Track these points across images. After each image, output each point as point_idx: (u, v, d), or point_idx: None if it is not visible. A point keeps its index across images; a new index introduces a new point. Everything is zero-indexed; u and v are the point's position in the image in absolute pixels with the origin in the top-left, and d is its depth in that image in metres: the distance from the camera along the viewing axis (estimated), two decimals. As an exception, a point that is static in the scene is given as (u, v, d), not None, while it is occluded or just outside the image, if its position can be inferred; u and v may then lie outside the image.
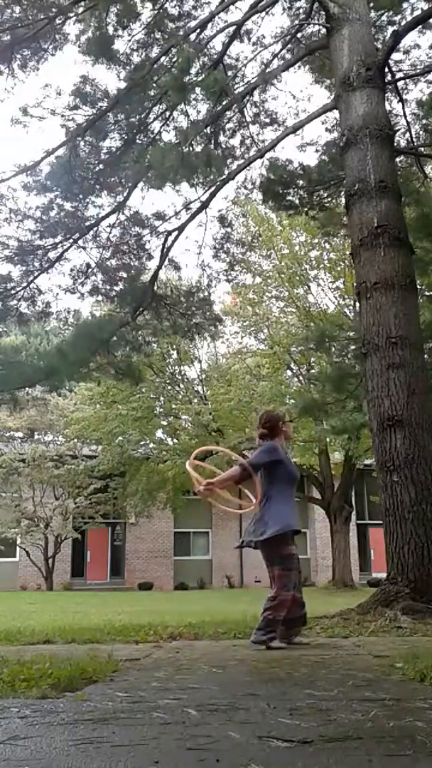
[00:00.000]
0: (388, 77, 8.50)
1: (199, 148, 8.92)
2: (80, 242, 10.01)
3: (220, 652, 4.12)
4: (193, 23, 9.57)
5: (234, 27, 9.29)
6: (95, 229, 10.07)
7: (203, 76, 8.38)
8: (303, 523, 27.12)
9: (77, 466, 22.89)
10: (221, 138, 10.10)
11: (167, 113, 9.72)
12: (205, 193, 9.54)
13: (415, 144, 9.86)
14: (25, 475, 22.56)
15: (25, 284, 9.81)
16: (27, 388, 11.73)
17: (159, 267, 10.09)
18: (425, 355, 7.21)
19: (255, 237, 18.37)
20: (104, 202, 10.02)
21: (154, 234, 10.23)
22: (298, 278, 19.52)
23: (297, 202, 10.21)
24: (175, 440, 22.27)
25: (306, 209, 10.42)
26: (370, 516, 26.06)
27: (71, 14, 9.05)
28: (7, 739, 1.94)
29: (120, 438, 21.62)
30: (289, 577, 4.30)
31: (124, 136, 9.61)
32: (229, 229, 11.96)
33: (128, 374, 10.42)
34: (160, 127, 9.90)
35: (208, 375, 22.41)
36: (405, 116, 9.71)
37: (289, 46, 9.96)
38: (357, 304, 9.20)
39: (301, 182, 10.04)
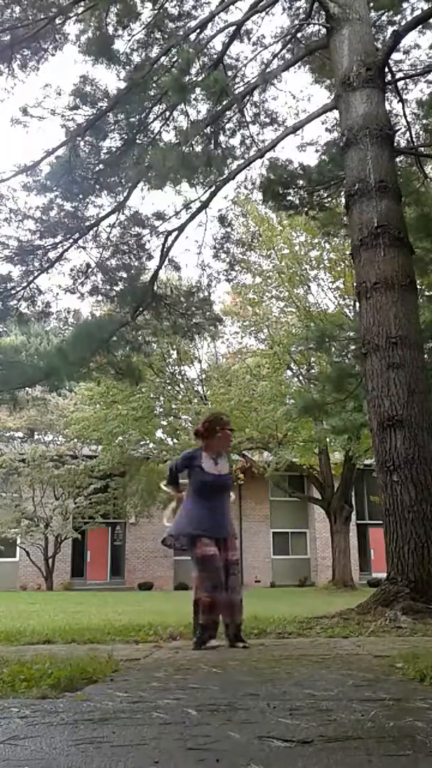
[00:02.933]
0: (388, 77, 8.50)
1: (199, 148, 8.93)
2: (80, 242, 10.00)
3: (220, 652, 4.12)
4: (193, 23, 9.57)
5: (234, 27, 9.29)
6: (95, 229, 10.07)
7: (203, 76, 8.39)
8: (303, 523, 27.17)
9: (77, 466, 22.89)
10: (221, 138, 10.09)
11: (167, 113, 9.72)
12: (205, 193, 9.55)
13: (415, 144, 9.86)
14: (25, 475, 22.57)
15: (25, 284, 9.81)
16: (27, 388, 11.72)
17: (159, 267, 10.08)
18: (425, 355, 7.21)
19: (255, 237, 18.36)
20: (104, 202, 10.03)
21: (154, 234, 10.23)
22: (298, 278, 19.52)
23: (297, 202, 10.21)
24: (175, 440, 22.27)
25: (306, 209, 10.42)
26: (370, 516, 26.06)
27: (71, 14, 9.05)
28: (7, 739, 1.94)
29: (120, 438, 21.62)
30: (205, 579, 4.31)
31: (124, 136, 9.60)
32: (229, 229, 11.97)
33: (128, 374, 10.42)
34: (160, 127, 9.90)
35: (208, 375, 22.41)
36: (405, 116, 9.72)
37: (289, 46, 9.96)
38: (357, 304, 9.19)
39: (301, 182, 10.04)
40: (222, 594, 4.30)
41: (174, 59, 8.82)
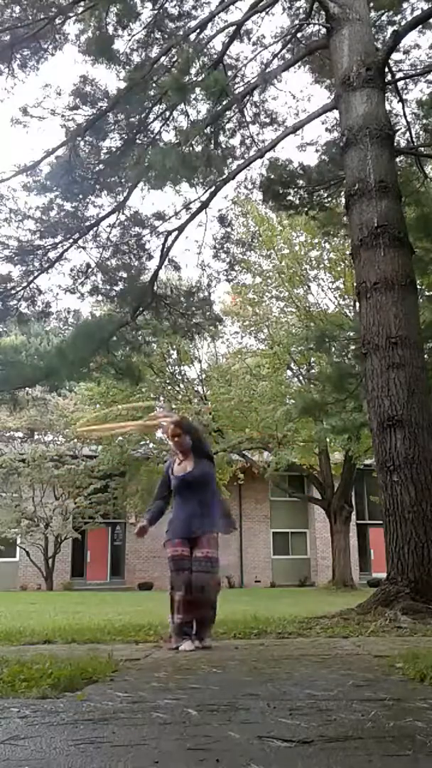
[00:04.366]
0: (388, 77, 8.51)
1: (199, 148, 8.92)
2: (80, 242, 10.01)
3: (220, 652, 4.12)
4: (193, 23, 9.57)
5: (234, 27, 9.28)
6: (95, 229, 10.08)
7: (203, 76, 8.37)
8: (303, 523, 27.17)
9: (77, 466, 22.87)
10: (221, 138, 10.09)
11: (167, 113, 9.72)
12: (205, 193, 9.56)
13: (415, 144, 9.86)
14: (25, 475, 22.54)
15: (25, 284, 9.82)
16: (27, 388, 11.73)
17: (159, 267, 10.09)
18: (425, 355, 7.21)
19: (255, 237, 18.36)
20: (104, 202, 10.04)
21: (154, 234, 10.24)
22: (298, 278, 19.51)
23: (297, 202, 10.22)
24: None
25: (306, 209, 10.43)
26: (370, 516, 26.05)
27: (71, 14, 9.05)
28: (7, 739, 1.94)
29: (120, 438, 21.61)
30: (173, 578, 4.40)
31: (124, 136, 9.61)
32: (229, 229, 11.97)
33: (128, 374, 10.43)
34: (160, 127, 9.91)
35: (208, 375, 22.40)
36: (405, 116, 9.73)
37: (289, 46, 9.96)
38: (357, 304, 9.20)
39: (301, 182, 10.05)
40: (187, 592, 4.37)
41: (174, 59, 8.82)
